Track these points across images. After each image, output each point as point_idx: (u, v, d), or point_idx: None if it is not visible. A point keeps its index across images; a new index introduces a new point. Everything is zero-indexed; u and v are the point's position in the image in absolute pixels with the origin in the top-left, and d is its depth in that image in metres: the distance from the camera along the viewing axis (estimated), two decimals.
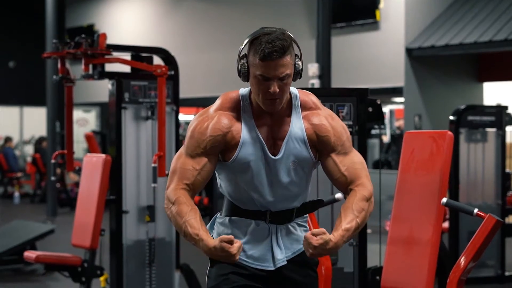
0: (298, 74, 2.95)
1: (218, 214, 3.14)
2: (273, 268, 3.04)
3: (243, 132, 2.95)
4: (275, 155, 2.97)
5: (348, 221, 2.87)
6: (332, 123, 3.01)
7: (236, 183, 3.02)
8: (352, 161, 3.00)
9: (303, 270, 3.11)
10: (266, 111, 2.96)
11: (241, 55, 2.93)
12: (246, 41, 2.92)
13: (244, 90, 3.02)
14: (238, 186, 3.02)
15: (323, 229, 2.80)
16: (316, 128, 2.98)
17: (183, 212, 2.88)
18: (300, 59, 2.95)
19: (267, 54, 2.82)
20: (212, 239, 2.83)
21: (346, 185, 2.99)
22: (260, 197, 2.99)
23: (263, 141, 2.96)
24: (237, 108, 2.99)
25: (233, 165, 2.98)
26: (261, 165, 2.97)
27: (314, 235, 2.78)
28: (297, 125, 2.98)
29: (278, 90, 2.85)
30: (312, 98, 3.06)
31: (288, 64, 2.87)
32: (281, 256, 3.05)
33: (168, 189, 2.97)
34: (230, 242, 2.78)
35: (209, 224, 3.13)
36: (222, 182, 3.10)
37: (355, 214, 2.88)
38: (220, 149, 2.97)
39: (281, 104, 2.91)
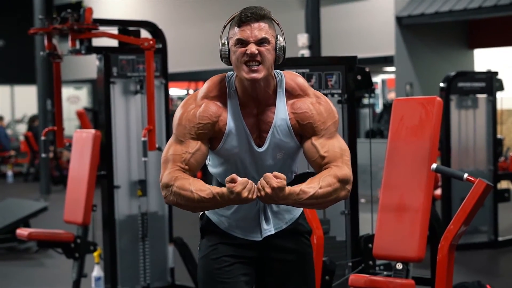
0: (281, 51, 2.90)
1: None
2: (260, 239, 3.05)
3: (228, 122, 2.93)
4: (260, 146, 2.95)
5: (309, 186, 2.81)
6: (319, 108, 2.95)
7: (222, 167, 3.01)
8: (333, 145, 2.93)
9: (295, 238, 3.11)
10: (252, 99, 2.93)
11: (222, 38, 2.93)
12: (225, 23, 2.94)
13: (230, 75, 2.99)
14: (224, 170, 3.00)
15: (284, 176, 2.74)
16: (299, 117, 2.94)
17: (185, 185, 2.83)
18: (283, 38, 2.92)
19: (243, 18, 2.84)
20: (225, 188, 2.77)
21: (322, 166, 2.92)
22: None
23: (249, 132, 2.94)
24: (223, 97, 2.96)
25: (218, 153, 2.98)
26: (246, 155, 2.96)
27: (276, 177, 2.71)
28: (281, 115, 2.94)
29: (256, 51, 2.82)
30: (299, 82, 2.99)
31: (266, 30, 2.85)
32: (268, 226, 3.04)
33: (162, 177, 2.90)
34: (233, 181, 2.71)
35: None
36: (210, 162, 3.09)
37: (320, 184, 2.81)
38: (209, 136, 2.94)
39: (263, 74, 2.85)
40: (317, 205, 2.86)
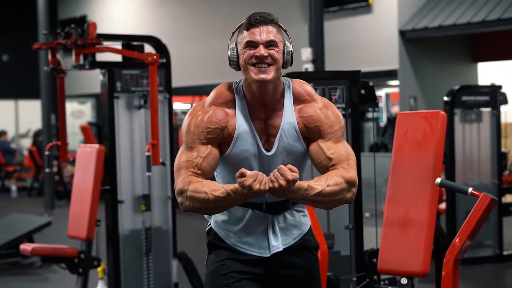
0: (289, 55, 2.93)
1: None
2: (268, 255, 3.03)
3: (238, 127, 2.94)
4: (268, 151, 2.96)
5: (317, 183, 2.80)
6: (326, 112, 2.97)
7: (230, 176, 2.99)
8: (339, 149, 2.94)
9: (302, 254, 3.10)
10: (260, 104, 2.94)
11: (231, 44, 2.95)
12: (234, 30, 2.97)
13: (237, 81, 3.00)
14: (233, 178, 2.95)
15: (297, 169, 2.71)
16: (306, 120, 2.95)
17: (199, 187, 2.83)
18: (290, 44, 2.94)
19: (252, 21, 2.87)
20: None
21: (328, 168, 2.92)
22: None
23: (257, 136, 2.94)
24: (231, 102, 2.97)
25: (227, 158, 2.97)
26: (255, 160, 2.96)
27: (290, 170, 2.69)
28: (288, 119, 2.95)
29: (265, 54, 2.85)
30: (307, 89, 3.02)
31: (275, 33, 2.89)
32: (276, 243, 3.03)
33: (176, 185, 2.90)
34: (243, 175, 2.70)
35: None
36: (218, 171, 3.08)
37: (327, 182, 2.81)
38: (218, 141, 2.95)
39: (272, 75, 2.87)
40: (322, 204, 2.85)
